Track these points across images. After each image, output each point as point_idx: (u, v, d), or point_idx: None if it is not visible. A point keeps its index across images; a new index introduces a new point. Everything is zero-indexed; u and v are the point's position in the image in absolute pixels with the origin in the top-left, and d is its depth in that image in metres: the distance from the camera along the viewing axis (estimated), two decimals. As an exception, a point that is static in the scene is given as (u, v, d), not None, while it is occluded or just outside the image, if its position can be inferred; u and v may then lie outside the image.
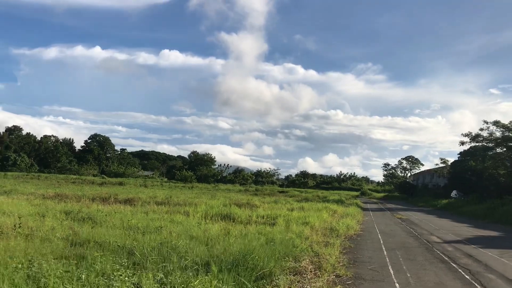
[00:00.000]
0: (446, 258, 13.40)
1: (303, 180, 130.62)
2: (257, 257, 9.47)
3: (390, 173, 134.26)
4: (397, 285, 9.47)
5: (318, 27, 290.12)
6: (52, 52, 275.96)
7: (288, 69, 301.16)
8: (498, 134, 49.74)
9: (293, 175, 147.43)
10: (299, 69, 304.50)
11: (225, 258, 9.34)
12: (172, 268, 8.02)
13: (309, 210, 26.11)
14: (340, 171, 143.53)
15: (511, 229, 26.73)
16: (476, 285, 9.78)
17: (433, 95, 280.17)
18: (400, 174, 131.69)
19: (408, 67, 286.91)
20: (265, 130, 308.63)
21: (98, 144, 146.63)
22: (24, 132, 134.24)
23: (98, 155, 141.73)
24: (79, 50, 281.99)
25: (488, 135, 50.49)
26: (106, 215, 17.26)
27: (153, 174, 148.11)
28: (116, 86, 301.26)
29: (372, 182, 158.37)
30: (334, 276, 10.01)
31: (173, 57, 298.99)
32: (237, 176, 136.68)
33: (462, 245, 17.21)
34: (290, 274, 9.69)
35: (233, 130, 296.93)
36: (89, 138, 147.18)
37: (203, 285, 7.05)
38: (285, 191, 77.90)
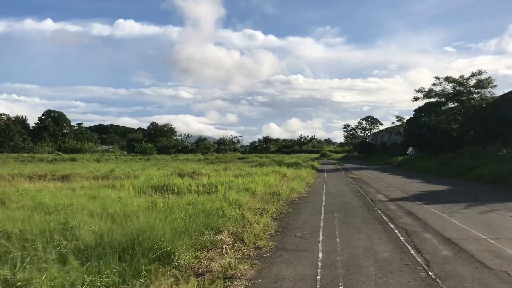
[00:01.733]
0: (386, 218, 12.53)
1: (265, 146, 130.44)
2: (159, 234, 8.15)
3: (351, 134, 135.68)
4: (320, 254, 8.38)
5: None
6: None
7: (247, 35, 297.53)
8: (450, 89, 49.88)
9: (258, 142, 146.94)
10: (259, 35, 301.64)
11: (120, 239, 7.96)
12: (35, 259, 6.58)
13: (256, 175, 24.98)
14: (301, 135, 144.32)
15: (460, 182, 26.59)
16: (409, 247, 8.82)
17: (391, 56, 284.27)
18: (361, 134, 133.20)
19: (366, 29, 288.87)
20: (227, 98, 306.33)
21: (53, 120, 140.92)
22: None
23: (53, 131, 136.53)
24: (29, 23, 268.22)
25: (440, 90, 50.60)
26: (22, 194, 15.50)
27: (112, 148, 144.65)
28: (71, 59, 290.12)
29: (334, 143, 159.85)
30: (253, 249, 8.85)
31: (128, 27, 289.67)
32: (199, 146, 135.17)
33: (407, 202, 16.50)
34: (203, 250, 8.47)
35: (195, 99, 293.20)
36: (43, 115, 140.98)
37: (50, 280, 5.66)
38: (245, 158, 77.03)
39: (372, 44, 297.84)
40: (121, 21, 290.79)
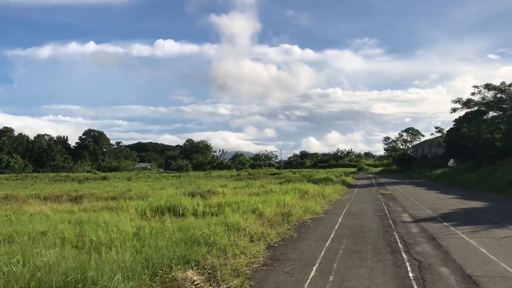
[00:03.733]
0: (401, 246, 10.65)
1: (300, 161, 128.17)
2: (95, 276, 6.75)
3: (391, 147, 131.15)
4: (301, 298, 6.74)
5: (310, 2, 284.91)
6: (46, 51, 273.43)
7: (284, 50, 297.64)
8: (490, 97, 46.64)
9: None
10: (296, 49, 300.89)
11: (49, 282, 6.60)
12: None
13: (274, 193, 23.36)
14: (338, 148, 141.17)
15: (500, 198, 23.99)
16: (416, 289, 7.05)
17: (432, 65, 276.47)
18: (401, 147, 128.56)
19: (405, 39, 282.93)
20: (265, 113, 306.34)
21: (93, 140, 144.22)
22: (21, 133, 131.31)
23: (93, 150, 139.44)
24: (73, 46, 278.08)
25: (480, 99, 47.42)
26: (10, 219, 14.51)
27: (150, 165, 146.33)
28: (113, 80, 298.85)
29: (374, 157, 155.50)
30: (222, 290, 7.30)
31: (168, 47, 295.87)
32: (235, 161, 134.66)
33: (433, 223, 14.46)
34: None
35: (233, 116, 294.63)
36: (83, 134, 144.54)
37: None
38: (277, 173, 75.22)
39: (411, 54, 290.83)
40: (160, 41, 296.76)
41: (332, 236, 12.56)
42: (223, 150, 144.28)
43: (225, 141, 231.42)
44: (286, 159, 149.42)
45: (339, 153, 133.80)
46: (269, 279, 8.04)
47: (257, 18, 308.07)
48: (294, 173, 74.75)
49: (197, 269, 8.46)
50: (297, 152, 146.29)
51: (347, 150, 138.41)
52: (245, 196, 22.33)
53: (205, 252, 9.58)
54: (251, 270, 8.65)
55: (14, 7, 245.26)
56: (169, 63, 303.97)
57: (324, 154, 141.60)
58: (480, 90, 46.77)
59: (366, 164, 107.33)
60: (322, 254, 10.00)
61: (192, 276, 7.88)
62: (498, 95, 45.43)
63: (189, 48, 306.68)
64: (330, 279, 7.78)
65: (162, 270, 8.14)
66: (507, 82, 44.87)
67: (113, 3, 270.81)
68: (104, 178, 67.85)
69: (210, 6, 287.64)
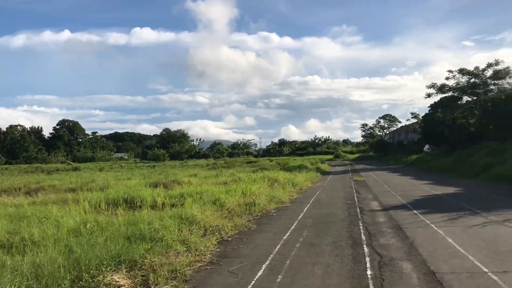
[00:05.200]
0: (364, 238, 9.78)
1: (278, 148, 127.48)
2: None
3: (369, 134, 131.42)
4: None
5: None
6: (19, 40, 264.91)
7: (263, 37, 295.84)
8: (464, 82, 46.34)
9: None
10: (274, 37, 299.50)
11: None
12: None
13: (242, 182, 22.36)
14: (315, 136, 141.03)
15: (473, 182, 23.49)
16: (371, 290, 6.16)
17: (409, 53, 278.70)
18: (379, 133, 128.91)
19: (383, 26, 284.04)
20: (244, 101, 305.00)
21: (68, 130, 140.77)
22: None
23: (68, 141, 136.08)
24: (47, 35, 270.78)
25: (454, 84, 47.09)
26: None
27: (127, 155, 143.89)
28: (89, 69, 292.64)
29: (352, 144, 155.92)
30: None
31: (144, 35, 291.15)
32: (212, 150, 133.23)
33: (402, 211, 13.68)
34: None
35: (212, 104, 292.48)
36: (57, 125, 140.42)
37: None
38: (254, 162, 74.17)
39: (389, 42, 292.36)
40: (137, 29, 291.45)
41: (293, 227, 11.65)
42: (200, 139, 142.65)
43: (205, 130, 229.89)
44: (265, 147, 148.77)
45: (316, 140, 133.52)
46: (209, 281, 7.06)
47: (234, 4, 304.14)
48: (271, 161, 73.84)
49: (130, 270, 7.44)
50: (277, 140, 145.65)
51: (324, 137, 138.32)
52: (211, 185, 21.31)
53: (145, 250, 8.56)
54: (193, 270, 7.66)
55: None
56: (146, 51, 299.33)
57: (302, 142, 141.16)
58: (455, 75, 46.50)
59: (343, 151, 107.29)
60: (277, 248, 9.06)
61: (119, 280, 6.84)
62: (472, 80, 45.16)
63: (166, 36, 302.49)
64: (278, 280, 6.84)
65: (89, 273, 7.11)
66: (481, 67, 44.64)
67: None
68: (75, 169, 65.74)
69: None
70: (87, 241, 9.17)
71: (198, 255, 8.59)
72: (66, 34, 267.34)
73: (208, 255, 8.69)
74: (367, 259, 7.86)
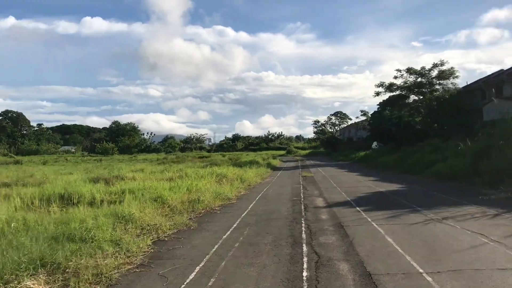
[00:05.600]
0: (304, 236, 9.57)
1: (231, 144, 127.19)
2: None
3: (320, 130, 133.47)
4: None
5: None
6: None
7: (218, 31, 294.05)
8: (412, 81, 47.55)
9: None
10: (230, 31, 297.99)
11: None
12: None
13: (188, 178, 21.82)
14: (268, 131, 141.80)
15: (417, 179, 24.06)
16: (306, 292, 5.90)
17: (360, 51, 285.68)
18: (330, 130, 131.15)
19: (335, 25, 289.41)
20: (198, 95, 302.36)
21: (11, 121, 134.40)
22: None
23: (11, 132, 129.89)
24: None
25: (402, 83, 48.26)
26: None
27: (74, 149, 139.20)
28: (36, 58, 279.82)
29: (304, 139, 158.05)
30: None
31: (96, 24, 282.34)
32: (164, 144, 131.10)
33: (345, 208, 13.66)
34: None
35: (165, 97, 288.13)
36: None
37: None
38: (206, 157, 73.46)
39: (341, 40, 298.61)
40: (87, 18, 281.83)
41: (235, 225, 11.32)
42: (151, 132, 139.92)
43: (157, 123, 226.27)
44: (218, 142, 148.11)
45: (270, 136, 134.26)
46: (135, 285, 6.58)
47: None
48: (224, 156, 73.41)
49: (52, 274, 6.85)
50: (231, 134, 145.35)
51: (278, 133, 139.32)
52: (156, 181, 20.62)
53: (71, 252, 7.96)
54: (120, 274, 7.14)
55: None
56: (97, 41, 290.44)
57: (256, 137, 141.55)
58: (402, 74, 47.62)
59: (295, 147, 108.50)
60: (214, 249, 8.68)
61: (33, 285, 6.24)
62: (419, 80, 46.45)
63: (118, 26, 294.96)
64: (210, 284, 6.46)
65: (2, 278, 6.48)
66: (427, 67, 45.97)
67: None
68: (17, 162, 62.60)
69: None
70: (8, 242, 8.50)
71: (129, 257, 8.07)
72: (10, 20, 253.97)
73: (140, 257, 8.19)
74: (305, 259, 7.62)
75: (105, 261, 7.54)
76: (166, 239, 9.84)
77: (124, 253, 8.21)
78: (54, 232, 9.48)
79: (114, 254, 8.07)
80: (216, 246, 8.92)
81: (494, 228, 9.82)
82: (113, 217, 11.26)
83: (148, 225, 10.92)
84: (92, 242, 8.70)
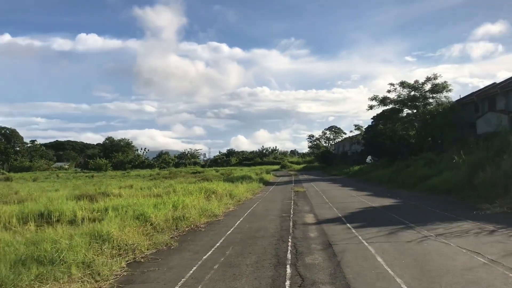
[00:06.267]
0: (289, 256, 8.99)
1: (226, 159, 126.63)
2: None
3: (315, 145, 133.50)
4: None
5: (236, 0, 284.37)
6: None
7: (213, 47, 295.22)
8: (405, 95, 47.34)
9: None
10: (224, 47, 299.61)
11: None
12: None
13: (175, 195, 21.17)
14: (263, 146, 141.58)
15: (410, 193, 23.56)
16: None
17: (354, 66, 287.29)
18: (324, 144, 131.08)
19: (329, 40, 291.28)
20: (193, 111, 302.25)
21: (5, 138, 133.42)
22: None
23: (4, 149, 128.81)
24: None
25: (396, 97, 48.04)
26: None
27: (68, 165, 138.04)
28: (31, 75, 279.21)
29: (299, 154, 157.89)
30: None
31: (90, 41, 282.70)
32: (158, 160, 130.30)
33: (336, 225, 13.10)
34: None
35: (160, 113, 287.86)
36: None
37: None
38: (199, 172, 72.75)
39: (335, 55, 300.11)
40: (82, 35, 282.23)
41: (218, 244, 10.71)
42: (145, 148, 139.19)
43: (152, 139, 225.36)
44: (212, 157, 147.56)
45: (264, 151, 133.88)
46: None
47: (183, 13, 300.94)
48: (218, 171, 72.70)
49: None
50: (226, 150, 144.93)
51: (272, 147, 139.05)
52: (142, 197, 19.99)
53: (35, 276, 7.36)
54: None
55: None
56: (91, 58, 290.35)
57: (250, 152, 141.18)
58: (396, 88, 47.43)
59: (289, 162, 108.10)
60: (191, 271, 8.08)
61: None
62: (412, 93, 46.24)
63: (113, 43, 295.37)
64: (180, 312, 5.88)
65: None
66: (421, 81, 45.81)
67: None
68: (7, 179, 61.71)
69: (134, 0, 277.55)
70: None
71: (98, 281, 7.47)
72: (6, 37, 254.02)
73: (111, 281, 7.58)
74: (287, 282, 7.04)
75: (71, 287, 6.94)
76: (142, 260, 9.23)
77: (94, 277, 7.61)
78: (24, 253, 8.87)
79: (82, 278, 7.47)
80: (194, 268, 8.32)
81: (490, 246, 9.29)
82: (90, 236, 10.64)
83: (126, 245, 10.30)
84: (62, 264, 8.10)
